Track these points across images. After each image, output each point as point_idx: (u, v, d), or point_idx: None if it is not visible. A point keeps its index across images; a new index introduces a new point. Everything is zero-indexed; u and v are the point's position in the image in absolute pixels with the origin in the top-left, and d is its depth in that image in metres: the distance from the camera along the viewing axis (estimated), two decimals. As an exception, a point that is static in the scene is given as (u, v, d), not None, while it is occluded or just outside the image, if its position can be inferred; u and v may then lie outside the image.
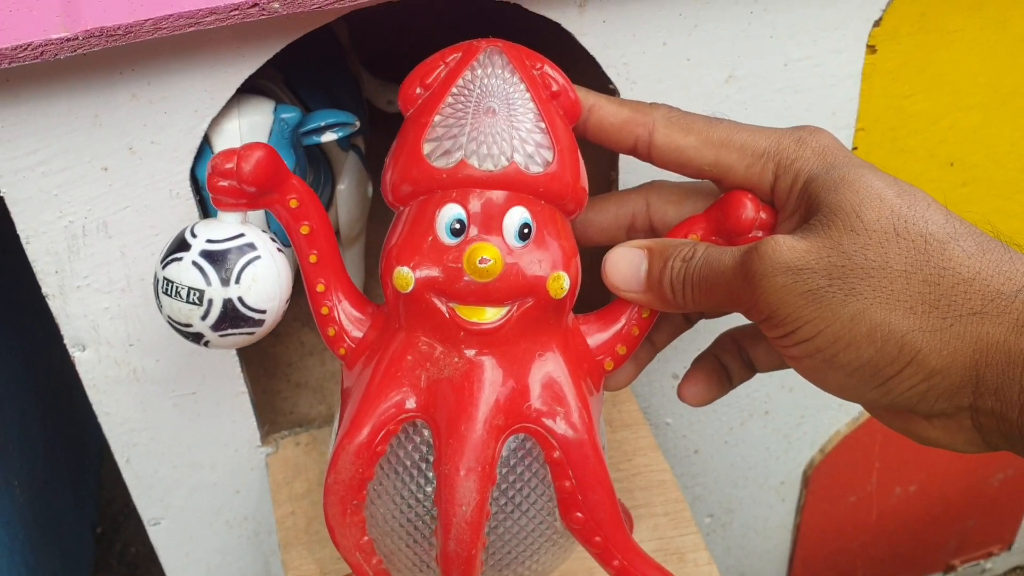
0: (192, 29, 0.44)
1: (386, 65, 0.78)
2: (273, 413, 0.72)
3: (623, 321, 0.51)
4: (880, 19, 0.58)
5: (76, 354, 0.57)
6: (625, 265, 0.49)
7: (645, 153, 0.48)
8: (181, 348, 0.59)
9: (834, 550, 0.95)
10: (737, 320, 0.49)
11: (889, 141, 0.64)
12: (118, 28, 0.43)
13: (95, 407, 0.60)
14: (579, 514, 0.49)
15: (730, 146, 0.47)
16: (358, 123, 0.58)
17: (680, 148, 0.48)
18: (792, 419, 0.79)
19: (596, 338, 0.51)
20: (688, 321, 0.53)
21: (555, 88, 0.49)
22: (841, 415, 0.81)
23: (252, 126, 0.54)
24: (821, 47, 0.57)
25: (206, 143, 0.53)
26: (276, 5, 0.45)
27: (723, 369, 0.52)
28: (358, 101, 0.71)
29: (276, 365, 0.76)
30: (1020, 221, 0.73)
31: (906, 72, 0.61)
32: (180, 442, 0.63)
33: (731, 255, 0.44)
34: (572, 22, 0.53)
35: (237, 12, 0.44)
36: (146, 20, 0.43)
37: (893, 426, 0.44)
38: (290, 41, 0.50)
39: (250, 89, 0.54)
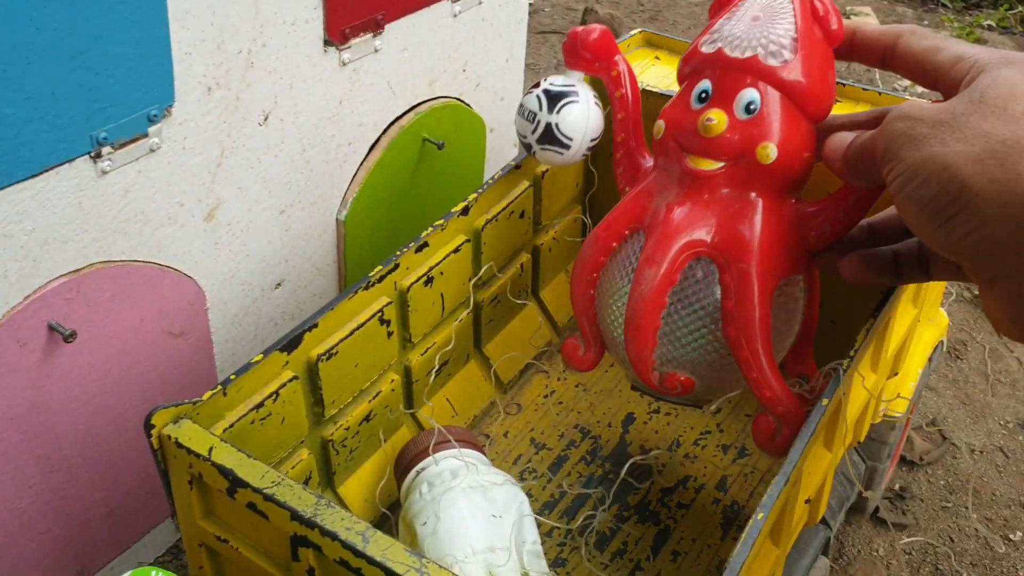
0: None
1: None
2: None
3: (832, 204, 0.65)
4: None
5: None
6: (837, 141, 0.59)
7: (891, 60, 0.59)
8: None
9: None
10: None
11: None
12: None
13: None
14: (732, 325, 0.65)
15: (947, 51, 0.55)
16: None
17: (914, 53, 0.57)
18: None
19: (808, 213, 0.66)
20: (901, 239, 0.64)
21: (821, 12, 0.64)
22: None
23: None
24: None
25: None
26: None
27: (893, 262, 0.63)
28: None
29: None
30: None
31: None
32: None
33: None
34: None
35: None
36: None
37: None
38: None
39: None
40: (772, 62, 0.63)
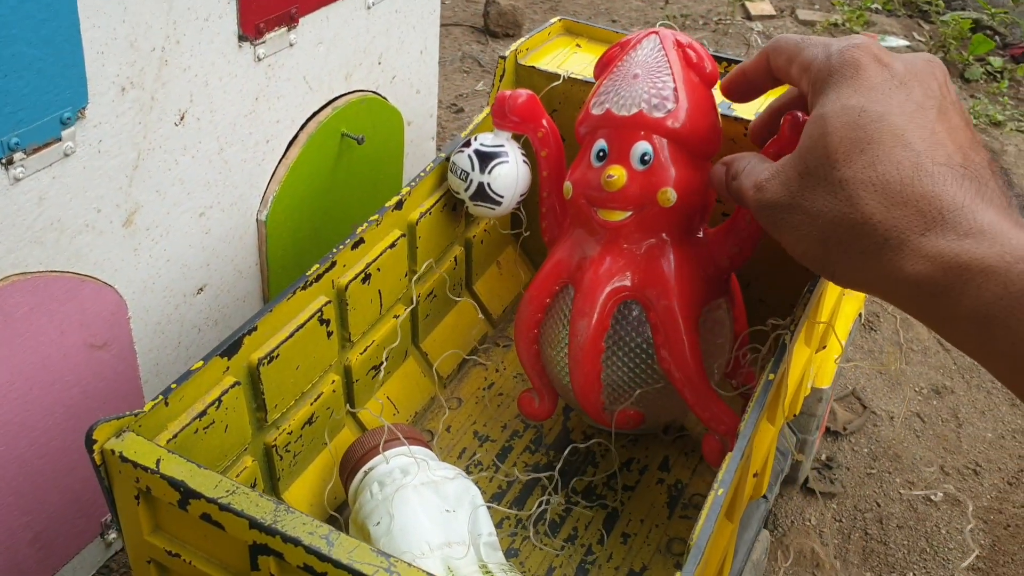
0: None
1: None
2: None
3: (733, 225, 0.72)
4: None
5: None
6: (715, 175, 0.64)
7: (777, 80, 0.63)
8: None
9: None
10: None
11: None
12: None
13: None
14: (665, 357, 0.70)
15: (796, 63, 0.58)
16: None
17: (780, 70, 0.60)
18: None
19: (715, 240, 0.73)
20: None
21: (694, 60, 0.71)
22: None
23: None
24: None
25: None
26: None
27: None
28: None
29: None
30: None
31: None
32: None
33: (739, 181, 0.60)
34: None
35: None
36: None
37: None
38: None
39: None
40: (657, 114, 0.68)
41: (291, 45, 0.96)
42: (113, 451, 0.55)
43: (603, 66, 0.76)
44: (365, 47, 1.08)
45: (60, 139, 0.74)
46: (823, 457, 1.14)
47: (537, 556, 0.74)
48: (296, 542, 0.51)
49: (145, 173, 0.84)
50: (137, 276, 0.87)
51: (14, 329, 0.76)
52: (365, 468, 0.71)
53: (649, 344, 0.71)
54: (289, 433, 0.72)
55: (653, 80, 0.69)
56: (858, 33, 2.23)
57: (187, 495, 0.54)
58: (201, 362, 0.62)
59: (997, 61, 2.11)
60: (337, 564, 0.50)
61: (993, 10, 2.31)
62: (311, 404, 0.74)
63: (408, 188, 0.79)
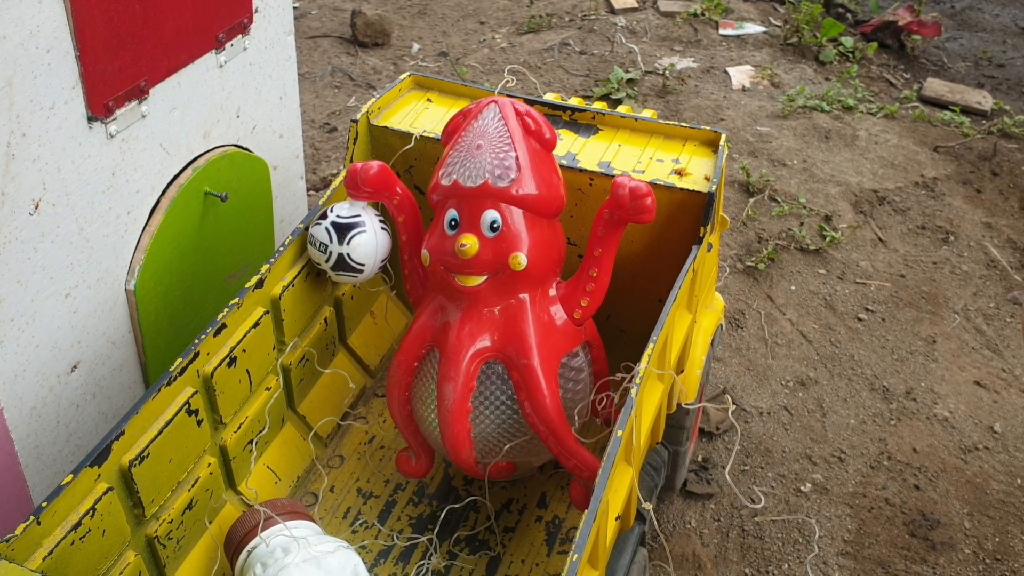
0: None
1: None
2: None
3: (583, 276, 0.78)
4: None
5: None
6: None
7: None
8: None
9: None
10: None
11: None
12: None
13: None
14: (529, 412, 0.75)
15: None
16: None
17: None
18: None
19: (568, 292, 0.78)
20: None
21: (533, 127, 0.76)
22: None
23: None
24: None
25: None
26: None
27: None
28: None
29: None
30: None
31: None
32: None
33: None
34: None
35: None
36: None
37: None
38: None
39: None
40: (501, 184, 0.73)
41: (144, 116, 0.96)
42: (-14, 583, 0.57)
43: (448, 135, 0.79)
44: (221, 104, 1.08)
45: (-92, 250, 0.74)
46: (699, 459, 1.20)
47: (424, 610, 0.78)
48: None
49: (3, 266, 0.83)
50: (6, 367, 0.87)
51: None
52: (247, 548, 0.74)
53: (512, 398, 0.75)
54: (170, 522, 0.74)
55: (496, 151, 0.74)
56: (717, 21, 2.30)
57: (64, 621, 0.55)
58: (71, 476, 0.64)
59: (849, 41, 2.21)
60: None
61: (843, -11, 2.41)
62: (188, 490, 0.75)
63: (268, 265, 0.81)
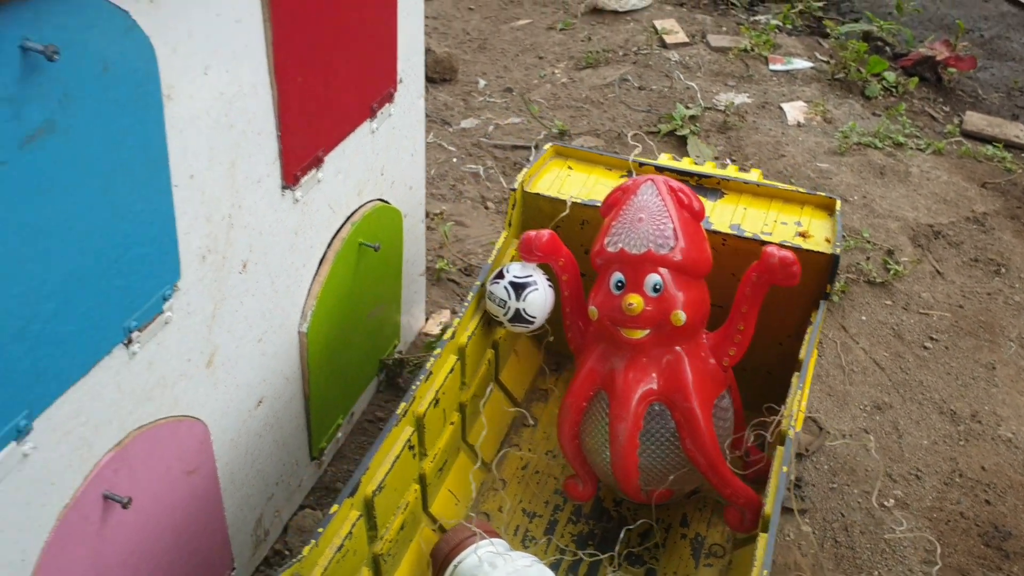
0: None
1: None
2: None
3: (730, 328, 0.92)
4: None
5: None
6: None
7: None
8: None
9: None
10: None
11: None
12: None
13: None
14: (690, 448, 0.89)
15: None
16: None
17: None
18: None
19: (716, 343, 0.93)
20: None
21: (685, 201, 0.90)
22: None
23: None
24: None
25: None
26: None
27: None
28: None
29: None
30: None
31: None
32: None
33: None
34: None
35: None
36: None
37: None
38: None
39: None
40: (663, 251, 0.87)
41: (319, 181, 1.09)
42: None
43: (608, 207, 0.92)
44: (372, 164, 1.22)
45: (162, 312, 0.87)
46: (793, 478, 1.33)
47: (598, 615, 0.91)
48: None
49: (220, 319, 0.97)
50: (217, 406, 1.00)
51: (135, 474, 0.89)
52: (455, 562, 0.87)
53: (673, 435, 0.89)
54: (390, 541, 0.87)
55: (656, 222, 0.88)
56: (766, 57, 2.43)
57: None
58: (336, 506, 0.77)
59: (891, 76, 2.34)
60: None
61: (880, 22, 2.54)
62: (402, 513, 0.89)
63: (457, 319, 0.94)
